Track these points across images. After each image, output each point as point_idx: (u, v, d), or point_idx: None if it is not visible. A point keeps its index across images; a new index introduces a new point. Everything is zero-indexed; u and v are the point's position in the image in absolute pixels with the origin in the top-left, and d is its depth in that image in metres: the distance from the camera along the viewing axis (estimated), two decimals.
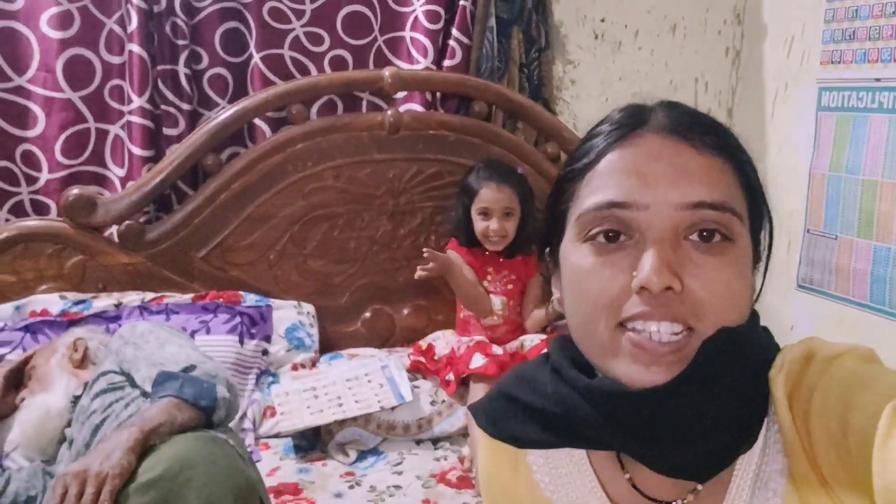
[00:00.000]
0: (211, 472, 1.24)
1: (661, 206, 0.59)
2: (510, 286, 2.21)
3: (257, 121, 2.22)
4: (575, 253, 0.63)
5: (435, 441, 1.95)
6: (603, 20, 2.52)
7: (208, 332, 2.03)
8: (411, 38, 2.31)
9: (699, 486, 0.63)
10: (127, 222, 2.09)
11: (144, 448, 1.25)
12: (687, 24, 2.60)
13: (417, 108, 2.30)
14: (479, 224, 2.14)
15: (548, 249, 0.71)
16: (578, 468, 0.70)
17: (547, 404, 0.67)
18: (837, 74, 2.21)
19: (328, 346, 2.24)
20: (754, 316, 0.63)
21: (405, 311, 2.34)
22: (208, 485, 1.21)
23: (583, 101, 2.55)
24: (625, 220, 0.60)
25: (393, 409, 1.92)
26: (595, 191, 0.62)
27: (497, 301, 2.18)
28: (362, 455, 1.88)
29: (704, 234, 0.59)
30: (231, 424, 1.49)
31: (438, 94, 2.33)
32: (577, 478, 0.70)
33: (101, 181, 2.18)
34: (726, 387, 0.58)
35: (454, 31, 2.28)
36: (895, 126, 2.02)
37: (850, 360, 0.58)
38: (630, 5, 2.53)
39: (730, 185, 0.62)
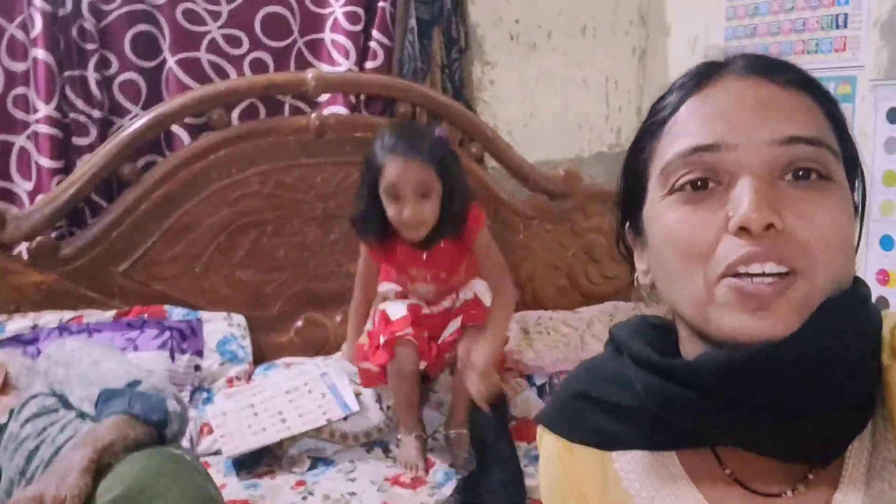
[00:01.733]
0: (175, 488, 1.17)
1: (751, 144, 0.55)
2: (443, 274, 1.93)
3: (175, 128, 2.13)
4: (661, 208, 0.59)
5: (385, 448, 1.91)
6: (518, 21, 2.57)
7: (136, 349, 1.93)
8: (332, 39, 2.28)
9: (811, 475, 0.57)
10: (38, 238, 1.96)
11: (99, 468, 1.17)
12: (596, 24, 2.68)
13: (342, 110, 2.27)
14: (389, 209, 1.78)
15: (627, 225, 0.66)
16: (671, 473, 0.62)
17: (639, 401, 0.60)
18: None
19: (262, 357, 2.16)
20: (863, 282, 0.59)
21: (338, 318, 2.29)
22: (175, 500, 1.14)
23: (502, 102, 2.59)
24: (713, 164, 0.56)
25: (346, 418, 1.87)
26: (677, 137, 0.58)
27: (422, 289, 1.94)
28: (312, 463, 1.82)
29: (800, 172, 0.55)
30: None
31: (362, 96, 2.31)
32: (669, 483, 0.62)
33: (7, 196, 2.03)
34: (848, 350, 0.53)
35: (374, 33, 2.27)
36: None
37: None
38: (543, 7, 2.59)
39: (820, 121, 0.57)
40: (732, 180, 0.55)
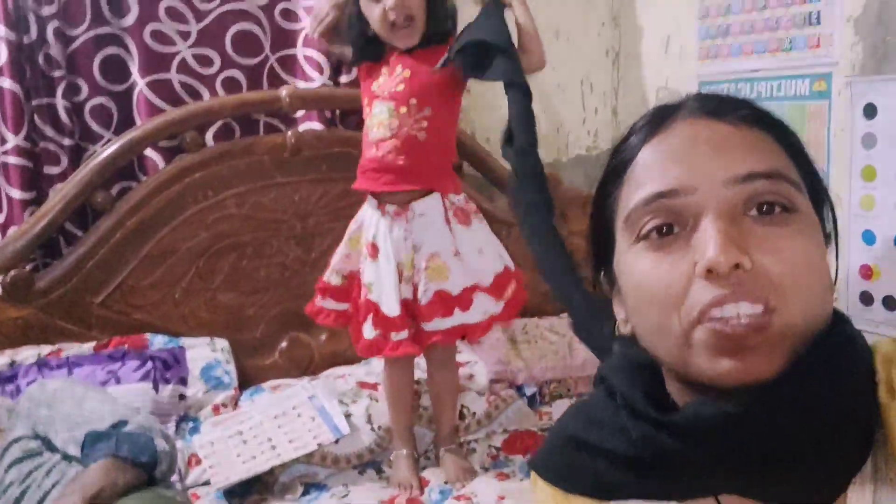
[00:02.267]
0: None
1: (709, 185, 0.55)
2: (401, 86, 1.77)
3: (148, 151, 2.09)
4: (630, 257, 0.59)
5: (378, 469, 1.89)
6: None
7: (118, 381, 1.88)
8: (304, 55, 2.25)
9: None
10: (12, 272, 1.91)
11: None
12: (569, 28, 2.67)
13: (317, 126, 2.24)
14: (372, 11, 1.72)
15: (602, 273, 0.66)
16: None
17: (636, 450, 0.59)
18: (716, 68, 2.34)
19: (247, 381, 2.13)
20: (844, 316, 0.58)
21: (322, 337, 2.26)
22: None
23: (478, 110, 2.56)
24: (675, 208, 0.56)
25: (337, 441, 1.84)
26: (637, 187, 0.59)
27: (381, 109, 1.78)
28: (305, 489, 1.79)
29: (764, 207, 0.54)
30: None
31: (337, 111, 2.28)
32: None
33: None
34: (840, 390, 0.53)
35: None
36: (776, 112, 2.15)
37: None
38: None
39: (777, 155, 0.57)
40: (696, 223, 0.55)
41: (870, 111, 1.92)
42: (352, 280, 1.89)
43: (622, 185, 0.61)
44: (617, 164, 0.62)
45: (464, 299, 1.81)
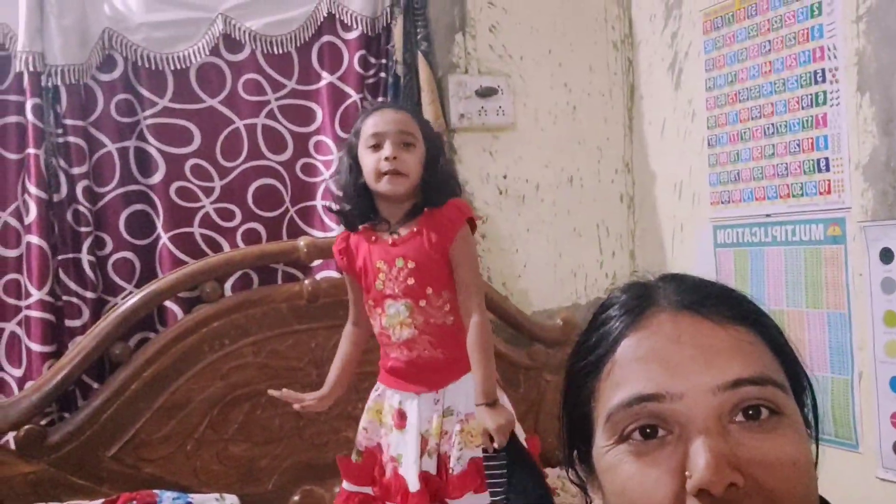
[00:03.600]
0: None
1: (696, 392, 0.54)
2: (410, 280, 1.68)
3: (168, 303, 2.12)
4: (612, 458, 0.57)
5: None
6: (505, 177, 2.62)
7: None
8: (322, 206, 2.32)
9: None
10: (26, 427, 1.90)
11: None
12: (582, 174, 2.74)
13: (334, 274, 2.27)
14: (368, 160, 1.66)
15: (575, 453, 0.65)
16: None
17: None
18: (728, 213, 2.36)
19: None
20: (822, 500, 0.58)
21: (336, 490, 2.19)
22: None
23: (494, 254, 2.60)
24: (660, 413, 0.55)
25: None
26: (619, 385, 0.58)
27: (399, 309, 1.69)
28: None
29: (750, 412, 0.54)
30: None
31: None
32: None
33: None
34: None
35: None
36: (791, 256, 2.15)
37: None
38: (529, 161, 2.65)
39: (762, 354, 0.57)
40: (683, 432, 0.54)
41: (886, 256, 1.91)
42: (370, 458, 1.77)
43: (600, 378, 0.60)
44: (595, 354, 0.61)
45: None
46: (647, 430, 0.55)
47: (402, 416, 1.72)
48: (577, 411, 0.63)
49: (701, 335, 0.57)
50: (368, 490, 1.77)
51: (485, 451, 1.64)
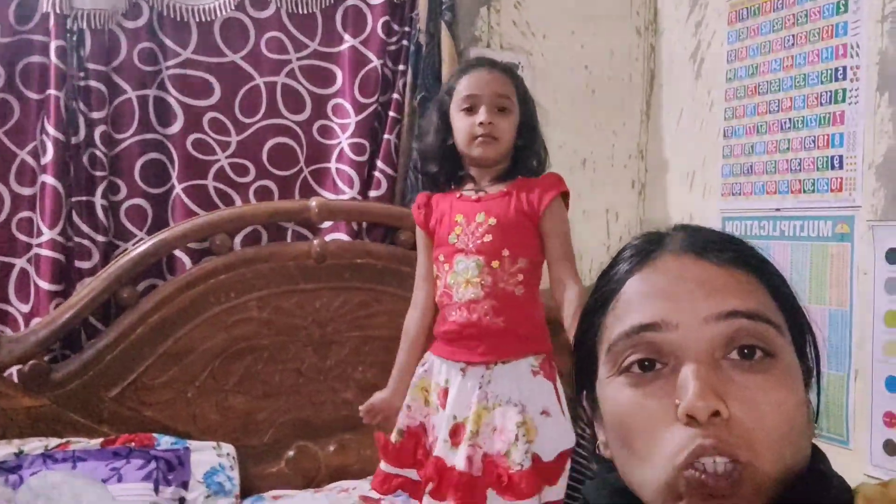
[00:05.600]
0: None
1: (692, 322, 0.56)
2: (488, 236, 1.60)
3: (178, 252, 2.14)
4: (611, 389, 0.60)
5: None
6: None
7: (120, 479, 1.85)
8: (337, 168, 2.33)
9: None
10: (31, 362, 1.93)
11: None
12: (595, 158, 2.75)
13: (343, 237, 2.29)
14: (461, 124, 1.61)
15: (584, 393, 0.67)
16: None
17: None
18: (738, 205, 2.37)
19: (250, 489, 2.09)
20: (821, 454, 0.59)
21: (331, 448, 2.23)
22: None
23: None
24: (657, 343, 0.57)
25: None
26: (621, 318, 0.60)
27: (468, 265, 1.60)
28: None
29: (745, 351, 0.56)
30: None
31: (364, 223, 2.33)
32: None
33: (3, 319, 2.03)
34: None
35: (379, 163, 2.32)
36: (797, 251, 2.16)
37: None
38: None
39: (760, 296, 0.59)
40: (677, 363, 0.56)
41: (892, 256, 1.92)
42: (411, 438, 1.68)
43: (606, 314, 0.62)
44: (603, 292, 0.64)
45: (556, 468, 1.54)
46: (646, 364, 0.57)
47: (446, 395, 1.63)
48: (584, 348, 0.65)
49: (703, 274, 0.59)
50: (410, 473, 1.68)
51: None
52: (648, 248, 0.63)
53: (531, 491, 1.48)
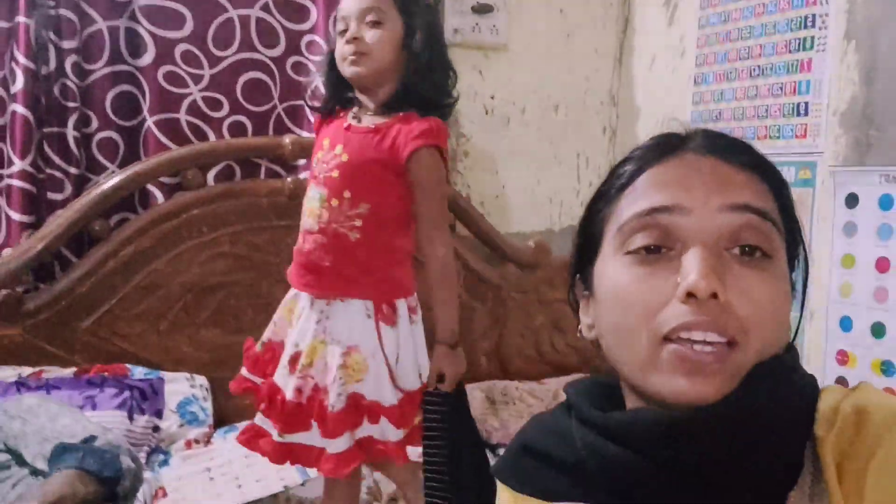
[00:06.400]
0: None
1: (704, 209, 0.58)
2: (335, 172, 1.51)
3: (150, 186, 2.14)
4: (614, 266, 0.62)
5: None
6: (493, 97, 2.65)
7: (94, 407, 1.89)
8: (311, 106, 2.32)
9: None
10: (3, 292, 1.94)
11: None
12: (568, 103, 2.77)
13: None
14: (338, 47, 1.53)
15: (577, 276, 0.69)
16: None
17: (580, 457, 0.62)
18: None
19: (223, 420, 2.13)
20: (794, 349, 0.62)
21: None
22: None
23: (476, 173, 2.64)
24: (667, 226, 0.59)
25: (303, 484, 1.84)
26: (635, 200, 0.62)
27: (314, 195, 1.55)
28: None
29: (746, 248, 0.58)
30: None
31: None
32: None
33: None
34: (775, 413, 0.56)
35: None
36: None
37: None
38: (517, 85, 2.67)
39: (769, 201, 0.61)
40: (684, 247, 0.58)
41: (851, 201, 1.98)
42: (269, 351, 1.63)
43: (618, 201, 0.63)
44: (618, 180, 0.65)
45: (375, 410, 1.53)
46: (652, 248, 0.59)
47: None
48: (587, 232, 0.67)
49: (721, 170, 0.61)
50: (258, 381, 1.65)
51: (427, 392, 1.56)
52: (668, 144, 0.64)
53: (337, 432, 1.49)
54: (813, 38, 2.09)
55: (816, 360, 2.05)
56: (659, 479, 0.57)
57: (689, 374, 0.56)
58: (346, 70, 1.52)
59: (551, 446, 0.65)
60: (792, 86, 2.14)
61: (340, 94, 1.60)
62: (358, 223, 1.51)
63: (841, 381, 1.98)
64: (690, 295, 0.56)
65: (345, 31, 1.52)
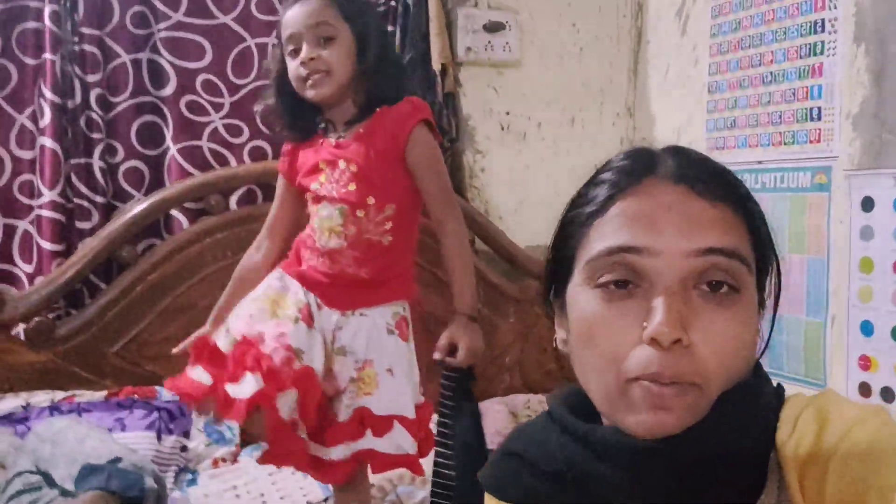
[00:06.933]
0: None
1: (671, 253, 0.60)
2: (351, 185, 1.50)
3: (174, 212, 2.21)
4: (583, 298, 0.63)
5: None
6: (508, 113, 2.68)
7: (124, 429, 1.95)
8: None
9: None
10: (36, 319, 2.01)
11: None
12: (584, 116, 2.79)
13: None
14: (290, 69, 1.49)
15: (552, 290, 0.71)
16: None
17: (559, 466, 0.64)
18: (723, 159, 2.39)
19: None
20: (758, 366, 0.65)
21: None
22: None
23: (493, 188, 2.67)
24: (635, 265, 0.60)
25: (326, 500, 1.87)
26: (604, 236, 0.62)
27: (332, 213, 1.52)
28: None
29: (713, 283, 0.60)
30: None
31: None
32: None
33: (8, 279, 2.11)
34: (737, 439, 0.59)
35: None
36: (777, 203, 2.21)
37: (864, 431, 0.56)
38: (532, 99, 2.70)
39: (739, 233, 0.62)
40: (651, 287, 0.60)
41: (868, 204, 1.97)
42: (244, 345, 1.47)
43: (588, 230, 0.65)
44: (584, 209, 0.66)
45: (384, 424, 1.51)
46: (620, 283, 0.61)
47: (310, 315, 1.53)
48: (561, 254, 0.68)
49: (689, 207, 0.62)
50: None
51: (442, 364, 1.53)
52: (640, 169, 0.65)
53: (336, 441, 1.49)
54: (823, 42, 2.08)
55: (839, 367, 2.03)
56: (633, 496, 0.60)
57: (653, 409, 0.58)
58: (309, 93, 1.49)
59: (534, 455, 0.67)
60: (804, 91, 2.14)
61: (304, 115, 1.57)
62: (388, 226, 1.52)
63: (864, 386, 1.96)
64: (654, 340, 0.58)
65: (296, 50, 1.49)
